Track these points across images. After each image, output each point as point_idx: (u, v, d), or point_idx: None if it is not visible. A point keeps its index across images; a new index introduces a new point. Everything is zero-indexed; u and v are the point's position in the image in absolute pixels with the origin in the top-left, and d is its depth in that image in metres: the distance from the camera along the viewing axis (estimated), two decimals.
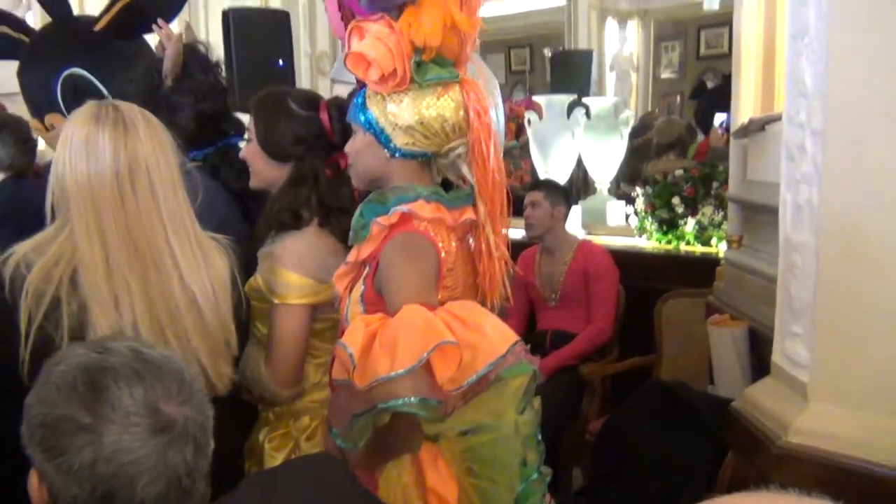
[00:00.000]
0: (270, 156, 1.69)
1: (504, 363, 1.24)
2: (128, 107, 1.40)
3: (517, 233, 3.68)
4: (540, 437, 1.49)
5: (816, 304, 1.53)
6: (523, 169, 4.88)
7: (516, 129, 4.98)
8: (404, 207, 1.38)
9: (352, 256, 1.45)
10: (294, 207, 1.65)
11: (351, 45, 1.38)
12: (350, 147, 1.47)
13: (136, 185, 1.34)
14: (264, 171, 1.72)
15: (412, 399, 1.19)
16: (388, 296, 1.32)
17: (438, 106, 1.39)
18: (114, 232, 1.33)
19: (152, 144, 1.37)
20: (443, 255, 1.37)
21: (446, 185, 1.49)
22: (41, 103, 2.45)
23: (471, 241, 1.48)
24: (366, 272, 1.41)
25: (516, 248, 3.31)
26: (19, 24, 2.67)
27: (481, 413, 1.29)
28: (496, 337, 1.25)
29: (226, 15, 2.33)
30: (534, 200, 3.28)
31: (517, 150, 4.97)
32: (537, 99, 4.59)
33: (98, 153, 1.33)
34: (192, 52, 1.97)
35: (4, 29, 2.61)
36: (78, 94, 2.14)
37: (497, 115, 2.70)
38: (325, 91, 3.03)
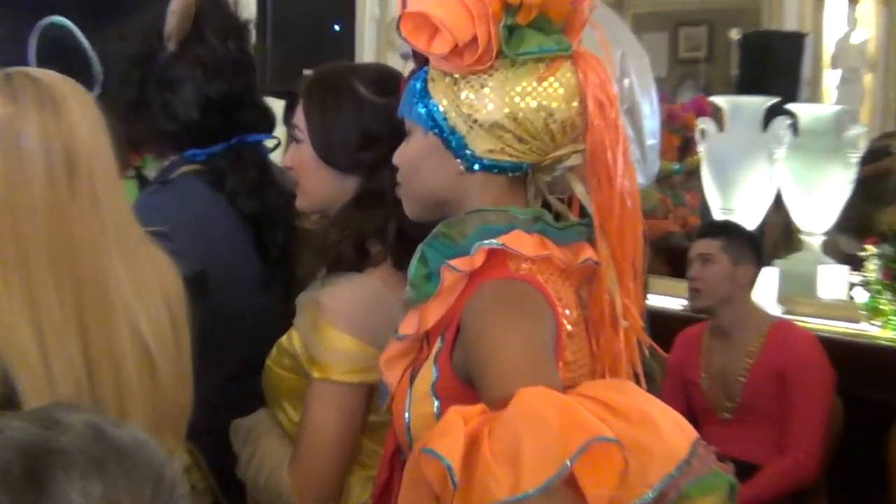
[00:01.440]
0: (329, 163, 1.75)
1: (689, 472, 1.19)
2: (50, 76, 1.43)
3: (675, 301, 3.68)
4: None
5: None
6: (687, 206, 4.85)
7: (681, 144, 4.95)
8: (494, 241, 1.37)
9: (409, 327, 1.45)
10: (360, 237, 1.70)
11: (408, 0, 1.39)
12: (401, 155, 1.50)
13: (74, 187, 1.37)
14: (319, 186, 1.78)
15: None
16: (484, 380, 1.29)
17: (540, 93, 1.39)
18: (41, 259, 1.34)
19: (91, 128, 1.41)
20: (562, 310, 1.38)
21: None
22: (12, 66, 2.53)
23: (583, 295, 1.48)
24: (437, 349, 1.40)
25: (672, 323, 3.36)
26: None
27: None
28: (673, 433, 1.21)
29: None
30: (705, 253, 3.26)
31: (680, 176, 4.95)
32: (716, 101, 4.65)
33: (21, 144, 1.35)
34: (211, 5, 2.03)
35: None
36: (61, 56, 2.19)
37: (648, 108, 2.63)
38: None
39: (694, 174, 4.73)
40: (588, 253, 1.44)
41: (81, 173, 1.38)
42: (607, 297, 1.42)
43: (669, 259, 4.32)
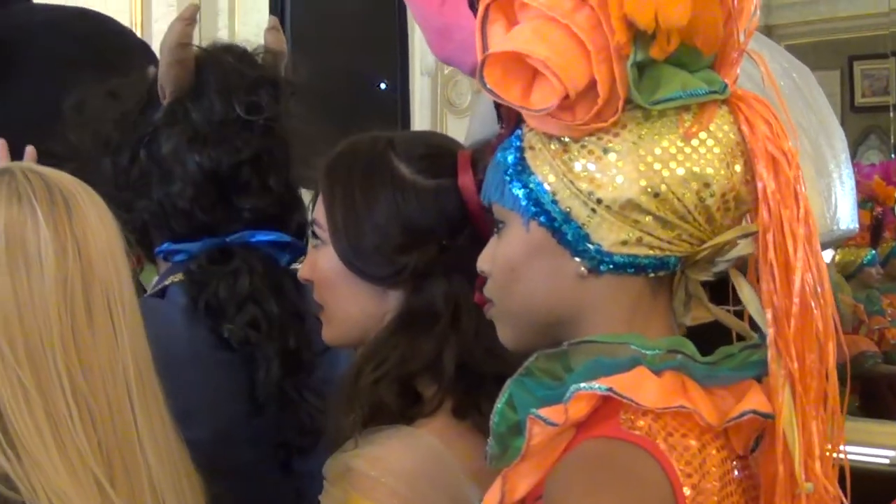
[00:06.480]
0: (360, 273, 1.62)
1: None
2: (55, 172, 1.42)
3: (876, 453, 3.34)
4: None
5: None
6: (889, 315, 4.42)
7: (873, 223, 4.47)
8: (597, 384, 1.21)
9: (493, 496, 1.29)
10: (405, 375, 1.58)
11: (489, 37, 1.27)
12: (493, 259, 1.34)
13: (92, 310, 1.36)
14: (349, 307, 1.65)
15: None
16: None
17: (689, 155, 1.26)
18: (63, 389, 1.33)
19: (107, 234, 1.42)
20: (686, 493, 1.20)
21: (704, 337, 1.32)
22: None
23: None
24: None
25: (877, 485, 3.16)
26: None
27: None
28: None
29: None
30: None
31: (875, 269, 4.45)
32: None
33: (30, 256, 1.35)
34: (220, 54, 1.90)
35: None
36: None
37: (833, 182, 2.45)
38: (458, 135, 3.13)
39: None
40: (756, 399, 1.24)
41: (96, 287, 1.38)
42: (783, 467, 1.23)
43: (862, 391, 3.99)
